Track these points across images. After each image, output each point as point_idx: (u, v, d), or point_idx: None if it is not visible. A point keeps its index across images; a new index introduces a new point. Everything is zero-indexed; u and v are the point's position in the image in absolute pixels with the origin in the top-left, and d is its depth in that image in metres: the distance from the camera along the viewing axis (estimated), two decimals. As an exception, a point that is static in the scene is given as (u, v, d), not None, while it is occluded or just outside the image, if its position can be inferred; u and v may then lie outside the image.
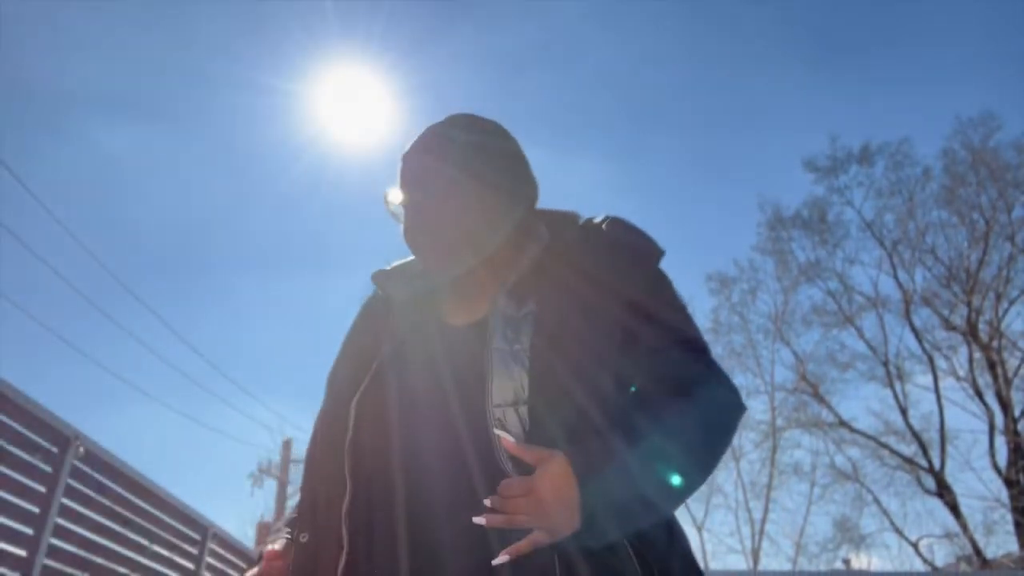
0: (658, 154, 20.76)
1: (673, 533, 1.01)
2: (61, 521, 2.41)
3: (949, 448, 14.08)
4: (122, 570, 2.81)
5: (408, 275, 1.13)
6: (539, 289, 0.99)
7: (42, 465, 2.34)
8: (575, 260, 1.00)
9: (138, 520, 2.94)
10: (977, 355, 14.48)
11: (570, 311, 0.95)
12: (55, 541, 2.38)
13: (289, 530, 1.14)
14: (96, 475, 2.65)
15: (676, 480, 0.97)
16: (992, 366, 14.27)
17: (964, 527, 13.27)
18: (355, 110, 14.54)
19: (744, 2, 18.13)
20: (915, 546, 13.80)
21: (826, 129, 19.02)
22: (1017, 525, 12.84)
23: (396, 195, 1.07)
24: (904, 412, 14.68)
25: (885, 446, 14.72)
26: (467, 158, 1.04)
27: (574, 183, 19.48)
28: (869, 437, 14.90)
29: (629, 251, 1.01)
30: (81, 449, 2.48)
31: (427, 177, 1.03)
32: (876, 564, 14.43)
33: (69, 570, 2.48)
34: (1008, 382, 14.05)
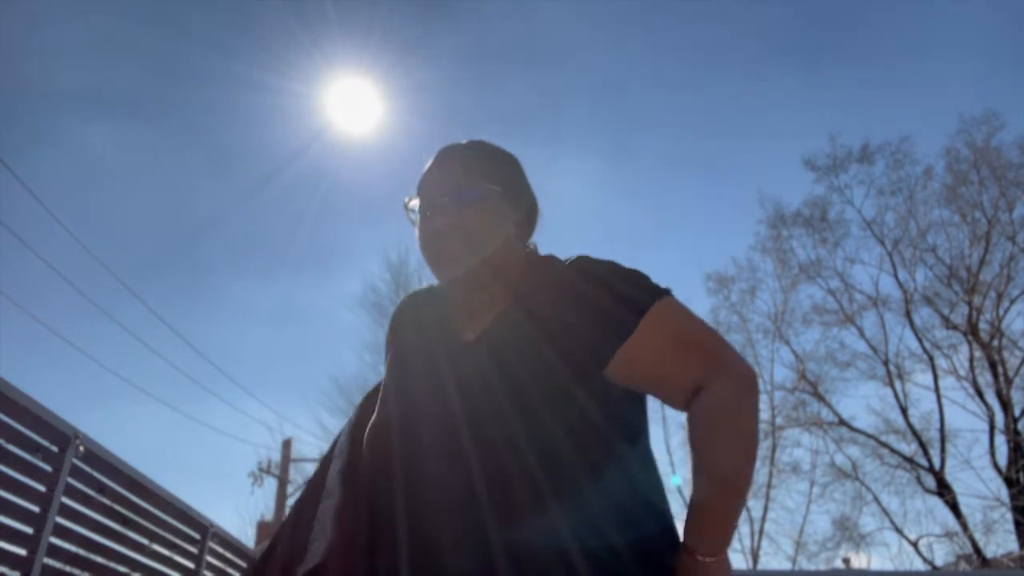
0: (655, 153, 20.76)
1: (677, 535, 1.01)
2: (61, 520, 2.41)
3: (949, 447, 14.09)
4: (122, 569, 2.81)
5: (429, 296, 1.21)
6: (531, 299, 1.05)
7: (42, 464, 2.33)
8: (557, 273, 1.07)
9: (138, 519, 2.93)
10: (978, 354, 14.48)
11: (557, 321, 1.01)
12: (55, 540, 2.37)
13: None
14: (96, 474, 2.64)
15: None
16: (992, 365, 14.27)
17: (964, 526, 13.27)
18: (351, 110, 14.54)
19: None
20: (915, 545, 13.81)
21: (826, 128, 18.98)
22: (1017, 524, 12.84)
23: (415, 200, 1.12)
24: (904, 411, 14.69)
25: (885, 445, 14.72)
26: (490, 171, 1.11)
27: (568, 182, 19.45)
28: (869, 436, 14.91)
29: (603, 269, 1.05)
30: (81, 448, 2.47)
31: (449, 182, 1.09)
32: (876, 563, 14.44)
33: (69, 569, 2.47)
34: (1008, 381, 14.04)
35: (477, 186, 1.08)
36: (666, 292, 1.02)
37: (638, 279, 1.03)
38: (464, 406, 1.03)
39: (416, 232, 1.12)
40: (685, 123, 20.15)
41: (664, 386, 1.02)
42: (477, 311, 1.10)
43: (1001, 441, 13.78)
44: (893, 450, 14.60)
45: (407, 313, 1.21)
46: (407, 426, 1.07)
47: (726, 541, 0.98)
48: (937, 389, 14.43)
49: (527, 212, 1.16)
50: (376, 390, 1.28)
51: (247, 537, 13.46)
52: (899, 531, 14.04)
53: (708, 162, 20.47)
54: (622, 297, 1.00)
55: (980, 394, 14.20)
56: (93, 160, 16.72)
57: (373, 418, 1.12)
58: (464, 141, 1.16)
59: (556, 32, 18.15)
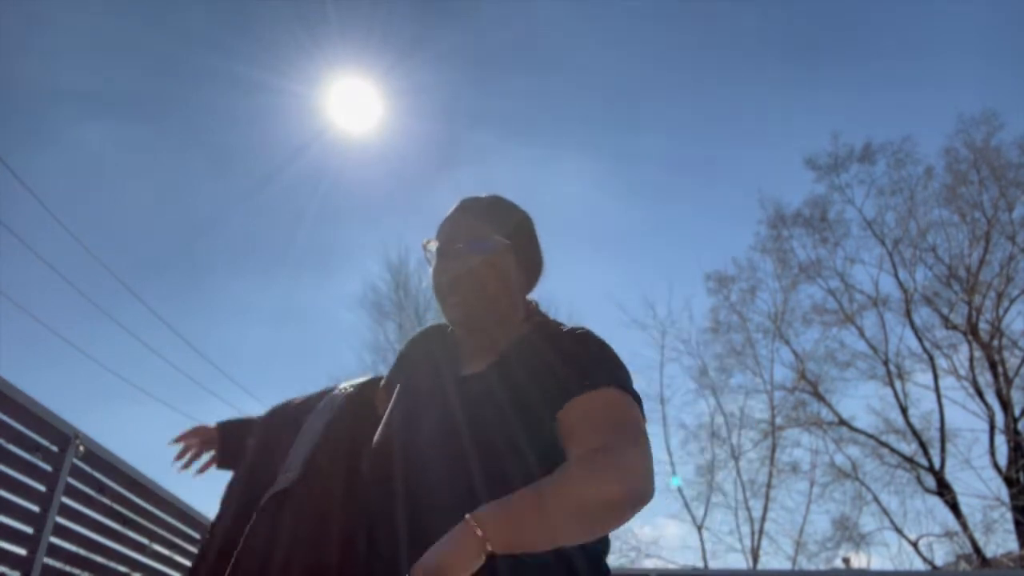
0: (655, 152, 20.75)
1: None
2: (61, 520, 2.41)
3: (949, 447, 14.10)
4: (122, 569, 2.81)
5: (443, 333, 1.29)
6: (518, 353, 1.12)
7: (42, 464, 2.34)
8: (549, 336, 1.12)
9: (138, 519, 2.93)
10: (977, 354, 14.48)
11: (529, 371, 1.07)
12: (55, 540, 2.38)
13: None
14: (96, 474, 2.64)
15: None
16: (992, 365, 14.27)
17: (964, 526, 13.28)
18: (351, 110, 14.56)
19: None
20: (915, 545, 13.81)
21: (826, 128, 19.00)
22: (1017, 524, 12.84)
23: (433, 243, 1.21)
24: (904, 411, 14.69)
25: (885, 445, 14.73)
26: (504, 225, 1.19)
27: (567, 183, 19.45)
28: (869, 436, 14.92)
29: (587, 339, 1.10)
30: (81, 448, 2.48)
31: (465, 230, 1.19)
32: (876, 563, 14.45)
33: (69, 569, 2.48)
34: (1008, 381, 14.05)
35: (489, 238, 1.17)
36: (621, 386, 1.01)
37: (612, 365, 1.05)
38: (464, 408, 1.07)
39: (430, 272, 1.21)
40: (685, 122, 20.15)
41: (570, 440, 0.98)
42: (479, 353, 1.18)
43: (1001, 441, 13.80)
44: (893, 450, 14.61)
45: (419, 343, 1.30)
46: (409, 427, 1.10)
47: (517, 541, 0.83)
48: (937, 389, 14.44)
49: (533, 268, 1.25)
50: (377, 380, 1.32)
51: (247, 537, 13.44)
52: (899, 531, 14.06)
53: (708, 162, 20.48)
54: (591, 366, 1.03)
55: (980, 394, 14.22)
56: (93, 159, 16.71)
57: (377, 434, 1.15)
58: (484, 195, 1.25)
59: (556, 33, 18.16)
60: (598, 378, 1.01)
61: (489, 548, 0.81)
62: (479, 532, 0.81)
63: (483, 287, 1.15)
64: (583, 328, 1.13)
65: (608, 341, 1.10)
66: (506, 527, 0.83)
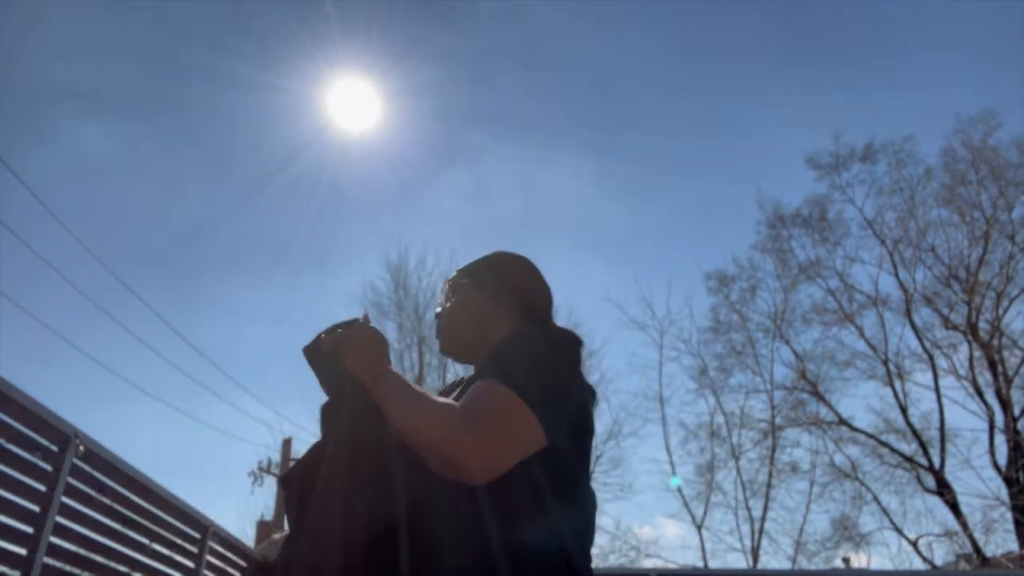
0: (655, 151, 20.79)
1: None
2: (61, 520, 2.41)
3: (949, 446, 14.10)
4: (122, 568, 2.81)
5: None
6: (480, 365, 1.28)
7: (42, 464, 2.33)
8: (499, 345, 1.28)
9: (138, 519, 2.93)
10: (977, 354, 14.49)
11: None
12: (55, 540, 2.37)
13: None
14: (96, 473, 2.64)
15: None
16: (992, 365, 14.28)
17: (964, 526, 13.28)
18: (351, 110, 14.58)
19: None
20: (915, 544, 13.82)
21: (825, 129, 19.02)
22: (1017, 524, 12.85)
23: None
24: (904, 410, 14.70)
25: (885, 444, 14.73)
26: (472, 270, 1.41)
27: (567, 181, 19.47)
28: (869, 435, 14.93)
29: (511, 346, 1.25)
30: (81, 447, 2.47)
31: (449, 288, 1.44)
32: (875, 562, 14.45)
33: (69, 569, 2.47)
34: (1008, 381, 14.05)
35: (456, 282, 1.41)
36: (506, 380, 1.11)
37: (512, 365, 1.16)
38: None
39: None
40: (686, 121, 20.19)
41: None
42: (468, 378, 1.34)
43: (1001, 441, 13.80)
44: (893, 450, 14.61)
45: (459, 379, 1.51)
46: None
47: (363, 371, 1.20)
48: (937, 389, 14.45)
49: (511, 294, 1.37)
50: None
51: (247, 537, 13.47)
52: (899, 531, 14.06)
53: (708, 160, 20.51)
54: (495, 365, 1.18)
55: (980, 394, 14.22)
56: (93, 159, 16.74)
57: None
58: (489, 254, 1.45)
59: (554, 31, 18.19)
60: (491, 372, 1.17)
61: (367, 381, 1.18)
62: (369, 380, 1.17)
63: (448, 323, 1.40)
64: (522, 338, 1.26)
65: (541, 349, 1.22)
66: (382, 392, 1.15)
